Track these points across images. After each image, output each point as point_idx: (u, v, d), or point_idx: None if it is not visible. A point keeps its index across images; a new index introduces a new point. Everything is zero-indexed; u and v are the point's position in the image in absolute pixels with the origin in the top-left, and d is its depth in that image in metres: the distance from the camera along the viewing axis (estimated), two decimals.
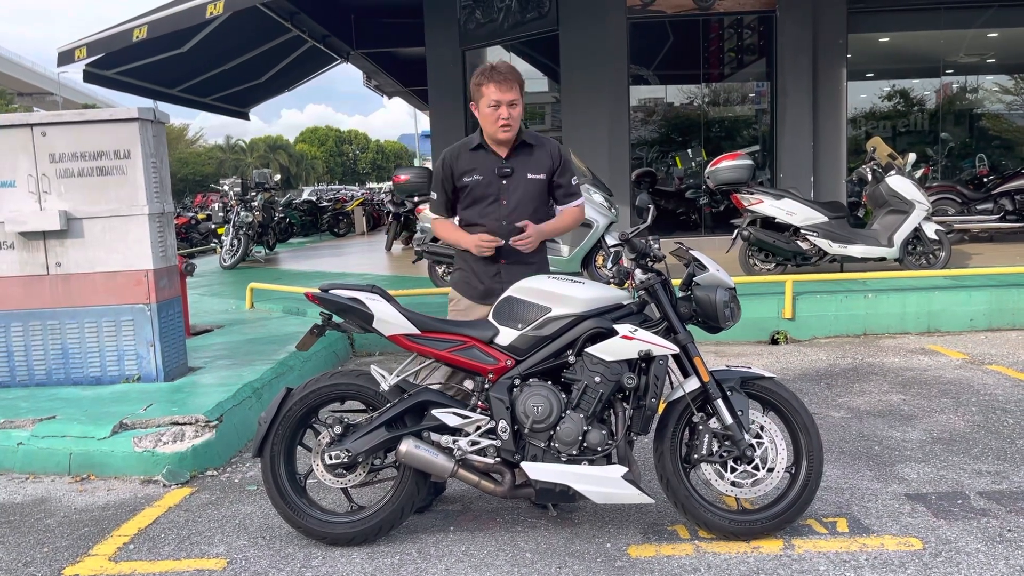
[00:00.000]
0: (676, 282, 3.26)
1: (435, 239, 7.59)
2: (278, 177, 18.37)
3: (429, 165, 16.39)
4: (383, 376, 3.21)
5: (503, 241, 3.37)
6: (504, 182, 3.43)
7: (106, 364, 5.01)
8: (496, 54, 13.35)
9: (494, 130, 3.38)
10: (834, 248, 7.96)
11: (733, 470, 3.12)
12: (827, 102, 11.58)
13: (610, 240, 7.66)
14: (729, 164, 8.16)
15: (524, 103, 3.46)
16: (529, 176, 3.46)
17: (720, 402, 3.10)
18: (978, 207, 10.44)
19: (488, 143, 3.46)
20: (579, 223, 3.68)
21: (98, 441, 4.15)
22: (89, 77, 12.29)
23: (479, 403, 3.18)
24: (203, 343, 6.35)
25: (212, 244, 16.00)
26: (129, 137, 4.87)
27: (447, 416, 3.14)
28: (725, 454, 3.10)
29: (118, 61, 12.22)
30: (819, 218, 8.03)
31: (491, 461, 3.13)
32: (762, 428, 3.14)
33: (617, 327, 3.07)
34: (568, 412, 3.06)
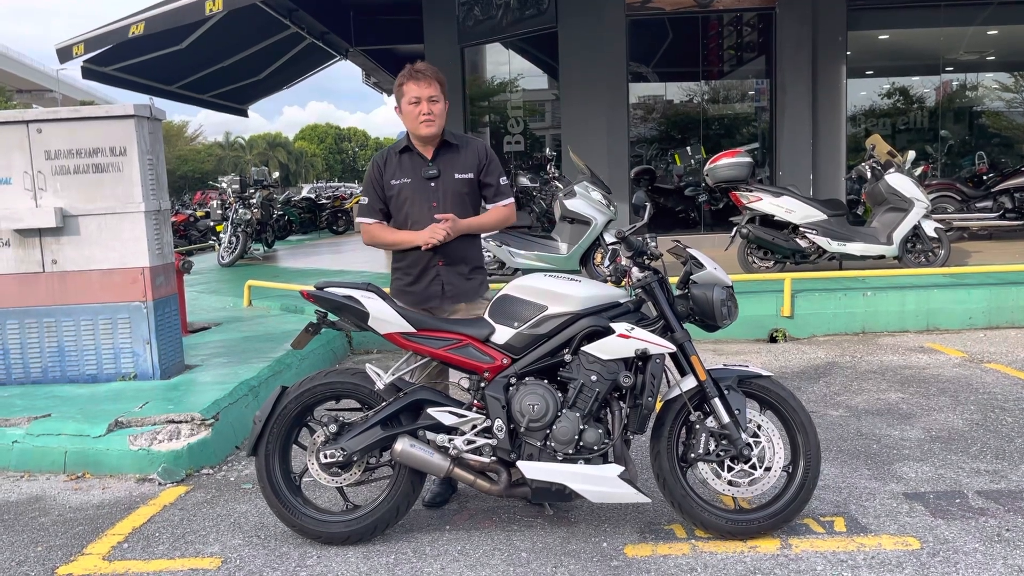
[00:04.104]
0: (674, 280, 3.24)
1: None
2: (277, 174, 18.35)
3: None
4: (378, 375, 3.20)
5: (452, 218, 3.36)
6: (432, 184, 3.47)
7: (102, 362, 4.99)
8: (495, 51, 13.31)
9: (416, 126, 3.43)
10: (833, 246, 7.95)
11: (730, 469, 3.11)
12: (826, 99, 11.56)
13: (608, 238, 7.65)
14: (728, 161, 8.15)
15: (447, 102, 3.49)
16: (456, 176, 3.49)
17: (717, 401, 3.08)
18: (977, 205, 10.42)
19: (414, 144, 3.50)
20: (507, 222, 3.64)
21: (93, 439, 4.14)
22: (88, 74, 12.26)
23: (475, 402, 3.16)
24: (200, 341, 6.34)
25: (210, 241, 15.96)
26: (125, 134, 4.85)
27: (443, 415, 3.13)
28: (722, 453, 3.09)
29: (117, 57, 12.18)
30: (818, 216, 8.01)
31: (487, 460, 3.12)
32: (759, 427, 3.13)
33: (614, 325, 3.05)
34: (564, 411, 3.04)
